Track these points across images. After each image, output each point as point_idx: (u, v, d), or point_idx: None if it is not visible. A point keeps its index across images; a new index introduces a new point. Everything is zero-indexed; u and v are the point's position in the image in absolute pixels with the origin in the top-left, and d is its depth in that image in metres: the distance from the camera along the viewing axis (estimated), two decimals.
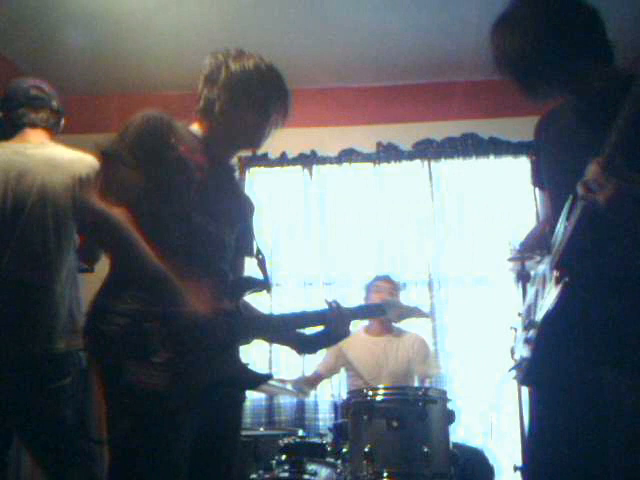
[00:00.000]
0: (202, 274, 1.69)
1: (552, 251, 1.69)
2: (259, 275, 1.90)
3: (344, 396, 3.62)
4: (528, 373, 1.76)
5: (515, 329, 1.95)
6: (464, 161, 4.63)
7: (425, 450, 2.59)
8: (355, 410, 2.79)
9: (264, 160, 4.66)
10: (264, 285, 1.88)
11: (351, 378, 3.87)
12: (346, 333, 1.90)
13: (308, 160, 4.70)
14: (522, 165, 4.56)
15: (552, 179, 1.81)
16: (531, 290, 1.88)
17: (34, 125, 2.49)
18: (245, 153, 4.30)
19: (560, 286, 1.59)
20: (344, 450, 2.85)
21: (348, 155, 4.69)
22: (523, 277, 2.91)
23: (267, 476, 2.85)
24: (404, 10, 3.96)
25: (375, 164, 4.69)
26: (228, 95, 1.77)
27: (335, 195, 4.68)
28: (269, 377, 1.91)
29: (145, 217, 1.62)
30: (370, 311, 2.36)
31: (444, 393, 2.90)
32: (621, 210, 1.47)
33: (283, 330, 1.91)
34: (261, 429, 3.72)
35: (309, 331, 1.92)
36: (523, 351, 1.79)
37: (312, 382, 3.95)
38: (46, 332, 2.27)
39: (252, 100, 1.78)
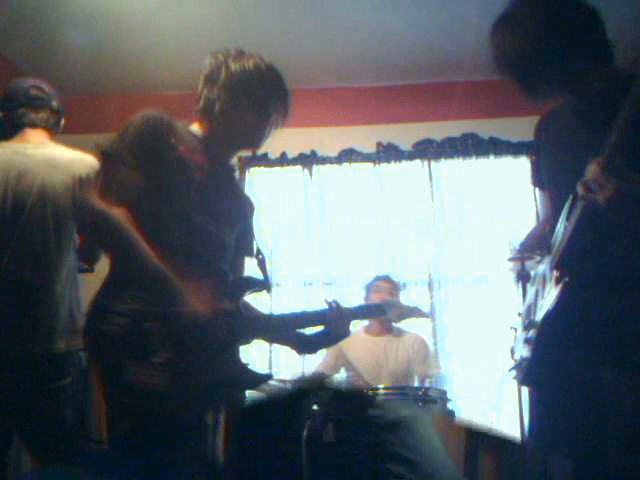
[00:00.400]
0: (202, 274, 1.68)
1: (552, 251, 1.69)
2: (259, 275, 1.90)
3: None
4: (528, 373, 1.76)
5: (515, 329, 1.95)
6: (464, 161, 4.63)
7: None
8: None
9: (264, 160, 4.66)
10: (264, 285, 1.88)
11: (351, 378, 3.87)
12: (346, 333, 1.90)
13: (308, 160, 4.70)
14: (522, 165, 4.55)
15: (552, 179, 1.81)
16: (531, 290, 1.87)
17: (34, 125, 2.49)
18: (245, 153, 4.30)
19: (560, 286, 1.59)
20: None
21: (348, 155, 4.69)
22: (523, 277, 2.90)
23: None
24: (404, 10, 3.96)
25: (375, 164, 4.69)
26: (228, 95, 1.77)
27: (335, 195, 4.68)
28: (269, 377, 1.90)
29: (145, 217, 1.62)
30: (370, 311, 2.36)
31: (444, 393, 2.91)
32: (621, 210, 1.47)
33: (283, 330, 1.91)
34: None
35: (309, 331, 1.92)
36: (523, 351, 1.79)
37: None
38: (46, 332, 2.27)
39: (252, 100, 1.78)
